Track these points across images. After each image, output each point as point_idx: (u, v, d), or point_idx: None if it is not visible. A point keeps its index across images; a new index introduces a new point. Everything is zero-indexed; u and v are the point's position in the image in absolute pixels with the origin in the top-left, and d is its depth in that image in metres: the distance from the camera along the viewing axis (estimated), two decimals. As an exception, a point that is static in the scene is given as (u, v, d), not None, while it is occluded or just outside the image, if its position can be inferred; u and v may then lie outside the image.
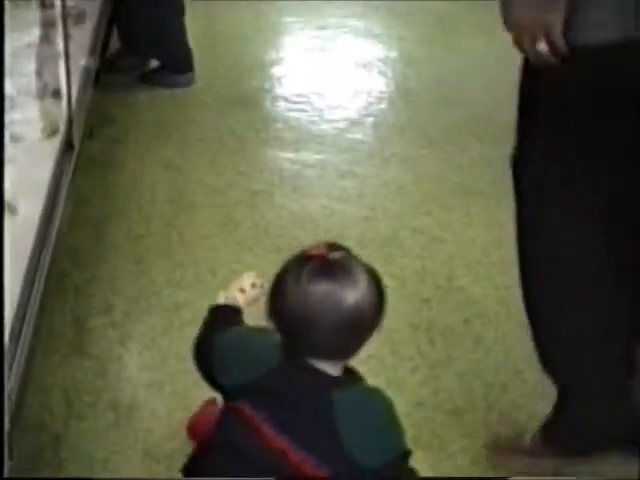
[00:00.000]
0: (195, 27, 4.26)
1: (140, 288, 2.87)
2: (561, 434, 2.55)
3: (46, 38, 3.29)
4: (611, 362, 2.44)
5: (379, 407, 1.68)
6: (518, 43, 2.14)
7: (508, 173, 2.19)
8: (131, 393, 2.48)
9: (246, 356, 1.71)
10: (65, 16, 3.19)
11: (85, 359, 2.59)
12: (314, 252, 1.65)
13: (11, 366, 2.00)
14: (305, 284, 1.62)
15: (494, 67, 4.27)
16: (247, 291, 1.94)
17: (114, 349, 2.63)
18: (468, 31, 4.71)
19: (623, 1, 2.16)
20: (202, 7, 4.69)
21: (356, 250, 1.67)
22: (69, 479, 2.25)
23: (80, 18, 3.68)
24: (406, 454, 1.67)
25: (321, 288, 1.62)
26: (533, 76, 2.24)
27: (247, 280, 1.97)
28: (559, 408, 2.51)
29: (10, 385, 1.94)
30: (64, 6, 3.18)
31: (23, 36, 3.30)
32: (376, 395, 1.69)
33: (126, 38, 4.17)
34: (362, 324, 1.65)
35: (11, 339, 2.04)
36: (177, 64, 4.17)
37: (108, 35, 4.01)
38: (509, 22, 2.17)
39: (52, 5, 3.31)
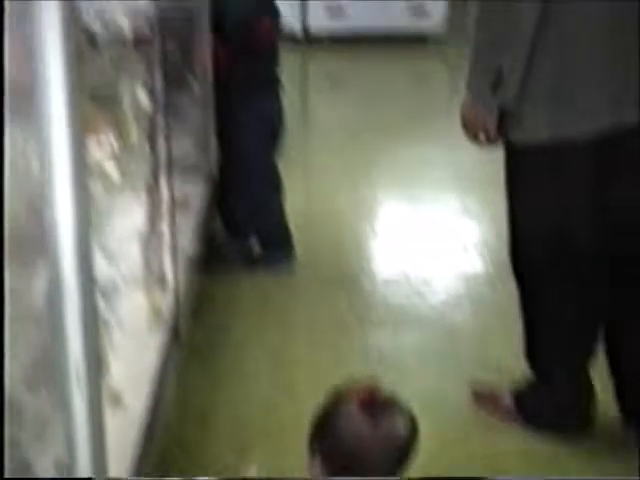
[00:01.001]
0: (293, 204, 4.36)
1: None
2: (531, 407, 3.07)
3: (152, 225, 3.40)
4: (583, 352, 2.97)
5: None
6: (464, 130, 2.85)
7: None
8: None
9: None
10: (171, 204, 3.30)
11: None
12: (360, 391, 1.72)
13: None
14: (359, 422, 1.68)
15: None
16: None
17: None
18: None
19: (552, 104, 2.70)
20: (299, 183, 4.82)
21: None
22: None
23: (184, 206, 3.80)
24: None
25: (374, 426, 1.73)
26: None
27: None
28: (533, 386, 3.06)
29: None
30: (171, 194, 3.30)
31: (127, 221, 3.41)
32: None
33: (228, 221, 4.29)
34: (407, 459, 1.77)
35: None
36: (277, 243, 4.26)
37: (211, 220, 4.11)
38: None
39: (158, 192, 3.42)
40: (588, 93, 2.72)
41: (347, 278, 4.18)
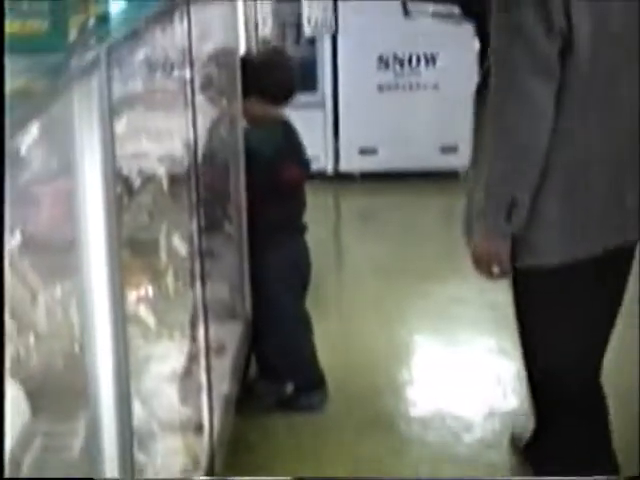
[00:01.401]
0: (326, 344, 4.36)
1: None
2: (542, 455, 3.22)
3: (189, 371, 3.40)
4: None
5: None
6: (477, 265, 2.87)
7: None
8: None
9: None
10: (208, 349, 3.32)
11: None
12: None
13: None
14: None
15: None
16: None
17: None
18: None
19: (563, 229, 2.79)
20: (333, 323, 4.83)
21: None
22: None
23: (220, 350, 3.81)
24: None
25: None
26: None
27: None
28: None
29: None
30: (207, 339, 3.32)
31: (164, 366, 3.42)
32: None
33: (263, 364, 4.29)
34: None
35: None
36: (310, 385, 4.24)
37: (247, 364, 4.12)
38: (471, 245, 2.92)
39: (195, 338, 3.44)
40: (596, 217, 2.83)
41: (383, 418, 4.14)
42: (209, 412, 3.11)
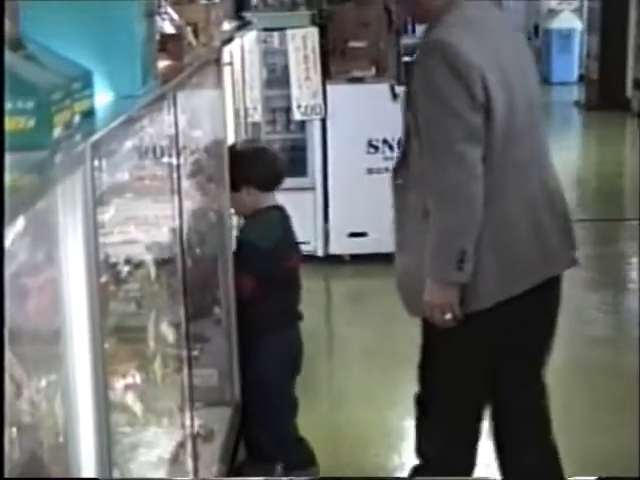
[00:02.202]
0: (317, 427, 4.33)
1: None
2: None
3: (176, 457, 3.39)
4: None
5: None
6: (431, 315, 3.21)
7: None
8: None
9: None
10: (194, 436, 3.31)
11: None
12: None
13: None
14: None
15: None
16: None
17: None
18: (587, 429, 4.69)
19: (498, 274, 3.21)
20: (323, 405, 4.80)
21: None
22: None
23: (209, 436, 3.80)
24: None
25: None
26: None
27: None
28: None
29: None
30: (193, 426, 3.31)
31: (152, 453, 3.40)
32: None
33: (252, 446, 4.26)
34: None
35: None
36: (301, 461, 4.22)
37: (236, 449, 4.09)
38: (416, 308, 3.31)
39: (183, 424, 3.43)
40: (528, 257, 3.28)
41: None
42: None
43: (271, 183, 4.23)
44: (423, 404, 3.59)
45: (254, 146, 4.58)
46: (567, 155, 12.53)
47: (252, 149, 4.44)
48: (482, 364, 3.41)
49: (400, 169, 3.36)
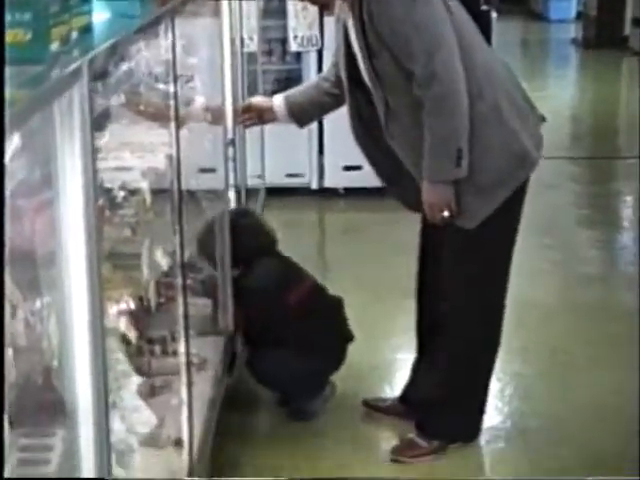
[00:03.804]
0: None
1: None
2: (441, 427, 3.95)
3: (169, 386, 3.38)
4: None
5: None
6: (430, 214, 3.63)
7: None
8: None
9: None
10: (189, 363, 3.29)
11: None
12: None
13: None
14: None
15: (611, 400, 4.26)
16: None
17: None
18: (584, 366, 4.71)
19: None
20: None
21: None
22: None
23: (202, 365, 3.79)
24: None
25: None
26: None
27: None
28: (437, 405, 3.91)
29: None
30: (188, 353, 3.29)
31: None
32: None
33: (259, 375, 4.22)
34: None
35: None
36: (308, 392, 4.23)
37: (229, 378, 4.07)
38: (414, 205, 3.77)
39: (175, 353, 3.42)
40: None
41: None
42: (189, 427, 3.08)
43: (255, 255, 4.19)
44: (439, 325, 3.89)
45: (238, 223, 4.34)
46: (564, 93, 12.47)
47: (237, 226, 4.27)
48: (504, 249, 3.82)
49: (389, 128, 3.67)
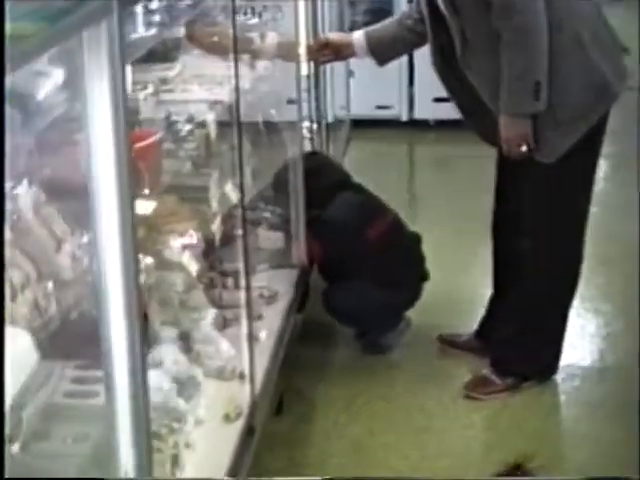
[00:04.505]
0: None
1: None
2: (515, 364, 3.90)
3: (235, 319, 3.39)
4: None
5: None
6: (509, 149, 3.58)
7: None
8: None
9: None
10: (249, 299, 3.28)
11: None
12: None
13: None
14: None
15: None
16: None
17: None
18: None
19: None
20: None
21: None
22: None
23: (272, 299, 3.80)
24: None
25: None
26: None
27: None
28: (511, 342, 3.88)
29: None
30: (249, 288, 3.28)
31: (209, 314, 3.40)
32: None
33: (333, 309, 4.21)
34: None
35: None
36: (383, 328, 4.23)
37: (300, 311, 4.07)
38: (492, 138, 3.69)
39: (240, 287, 3.41)
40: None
41: (438, 373, 4.11)
42: (250, 360, 3.09)
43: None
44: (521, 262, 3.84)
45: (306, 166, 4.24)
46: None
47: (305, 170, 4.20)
48: (584, 183, 3.75)
49: (466, 59, 3.60)
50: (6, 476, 1.66)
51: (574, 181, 3.70)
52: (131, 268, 1.83)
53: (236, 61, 2.88)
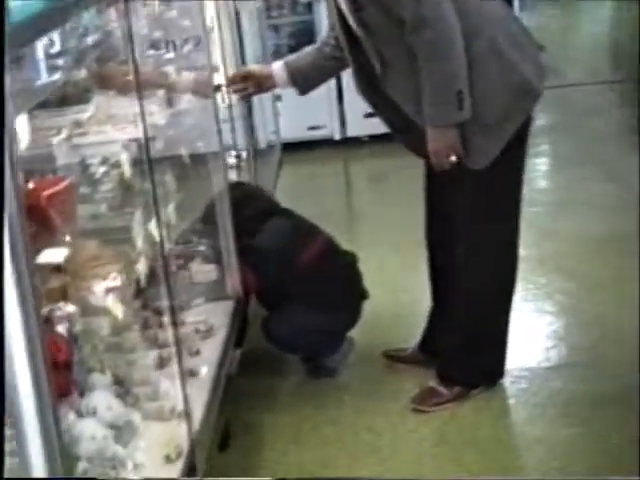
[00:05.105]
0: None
1: None
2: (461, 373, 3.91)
3: (167, 359, 3.34)
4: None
5: None
6: (437, 160, 3.58)
7: None
8: None
9: None
10: (178, 336, 3.24)
11: None
12: None
13: None
14: None
15: None
16: None
17: None
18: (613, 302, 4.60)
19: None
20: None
21: None
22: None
23: (208, 333, 3.76)
24: None
25: None
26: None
27: None
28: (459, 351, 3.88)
29: None
30: (175, 325, 3.23)
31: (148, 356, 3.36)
32: None
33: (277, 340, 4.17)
34: None
35: None
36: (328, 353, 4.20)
37: (237, 344, 4.02)
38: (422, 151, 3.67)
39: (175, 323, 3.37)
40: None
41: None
42: (184, 398, 3.04)
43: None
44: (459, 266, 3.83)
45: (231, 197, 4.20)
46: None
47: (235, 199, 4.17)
48: (514, 185, 3.76)
49: (387, 78, 3.62)
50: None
51: (504, 184, 3.72)
52: (33, 322, 1.79)
53: (140, 99, 2.84)
